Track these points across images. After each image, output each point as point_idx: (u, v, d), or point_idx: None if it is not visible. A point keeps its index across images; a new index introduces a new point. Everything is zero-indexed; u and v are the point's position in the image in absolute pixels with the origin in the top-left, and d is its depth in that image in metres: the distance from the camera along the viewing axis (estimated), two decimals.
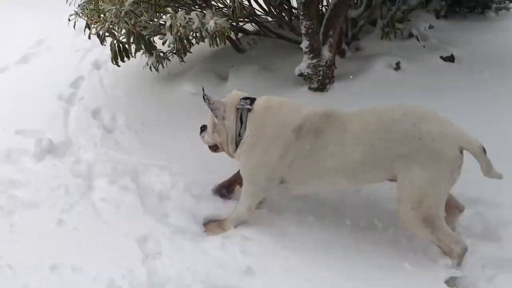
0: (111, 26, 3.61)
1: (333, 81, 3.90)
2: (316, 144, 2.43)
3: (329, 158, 2.41)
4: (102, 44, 3.94)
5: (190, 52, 3.92)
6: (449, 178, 2.30)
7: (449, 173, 2.29)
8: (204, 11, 3.54)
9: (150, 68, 4.28)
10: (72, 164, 3.42)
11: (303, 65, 3.81)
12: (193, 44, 3.73)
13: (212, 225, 2.71)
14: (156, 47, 4.01)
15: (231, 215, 2.69)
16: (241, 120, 2.56)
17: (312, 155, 2.45)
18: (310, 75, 3.80)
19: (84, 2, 3.92)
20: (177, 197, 3.01)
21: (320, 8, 4.38)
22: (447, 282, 2.31)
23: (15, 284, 2.45)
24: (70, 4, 4.06)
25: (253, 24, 4.62)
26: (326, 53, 3.80)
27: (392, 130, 2.31)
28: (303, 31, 3.73)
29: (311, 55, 3.76)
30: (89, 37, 4.04)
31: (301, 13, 3.67)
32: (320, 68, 3.78)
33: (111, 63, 4.91)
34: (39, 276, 2.48)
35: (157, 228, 2.69)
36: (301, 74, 3.84)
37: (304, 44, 3.76)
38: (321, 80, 3.81)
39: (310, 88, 3.86)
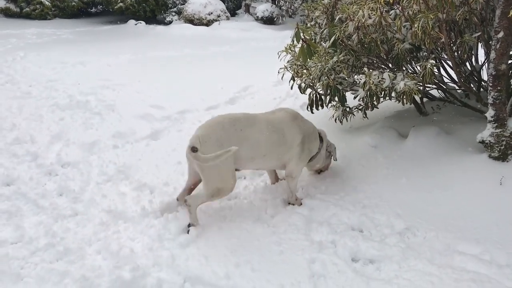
0: (313, 80, 4.27)
1: None
2: None
3: None
4: (303, 93, 4.62)
5: (377, 108, 4.30)
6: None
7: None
8: (396, 74, 3.83)
9: (335, 120, 4.79)
10: None
11: (486, 133, 3.83)
12: (380, 102, 4.09)
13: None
14: (346, 100, 4.46)
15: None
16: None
17: None
18: (491, 144, 3.81)
19: (293, 58, 4.70)
20: None
21: (511, 82, 4.41)
22: None
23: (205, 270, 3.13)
24: (280, 60, 4.85)
25: (439, 91, 4.76)
26: (511, 124, 3.81)
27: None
28: (490, 101, 3.76)
29: (496, 124, 3.78)
30: (292, 88, 4.78)
31: (491, 84, 3.72)
32: (503, 138, 3.76)
33: (300, 111, 5.62)
34: None
35: None
36: (482, 142, 3.86)
37: (490, 113, 3.78)
38: (502, 150, 3.79)
39: (490, 156, 3.85)
